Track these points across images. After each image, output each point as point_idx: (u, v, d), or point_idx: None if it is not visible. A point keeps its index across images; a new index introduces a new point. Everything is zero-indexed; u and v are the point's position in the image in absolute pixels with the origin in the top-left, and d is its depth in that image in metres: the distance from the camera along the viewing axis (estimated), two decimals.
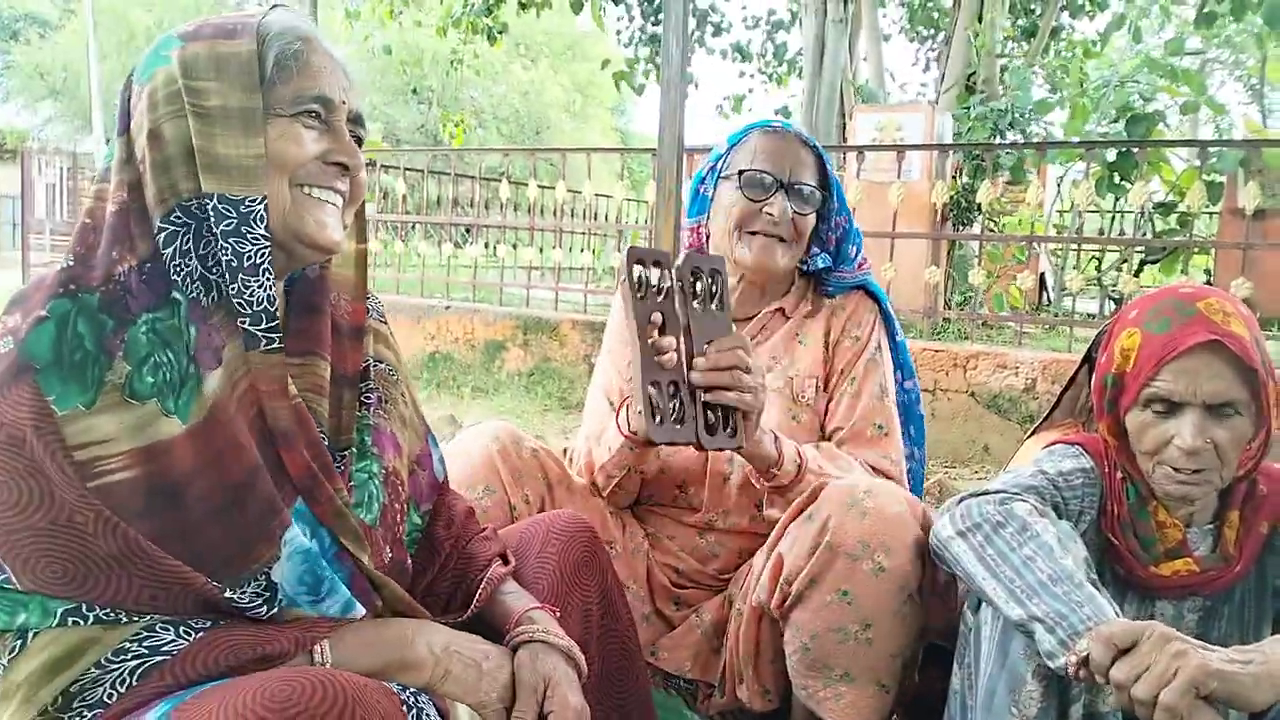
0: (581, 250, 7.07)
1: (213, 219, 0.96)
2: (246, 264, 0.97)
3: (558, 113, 26.72)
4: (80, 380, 0.89)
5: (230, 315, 0.98)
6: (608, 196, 7.54)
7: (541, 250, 6.56)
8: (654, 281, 1.44)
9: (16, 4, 27.98)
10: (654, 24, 11.35)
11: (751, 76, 12.55)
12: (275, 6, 1.05)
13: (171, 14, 23.10)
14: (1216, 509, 1.42)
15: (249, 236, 0.97)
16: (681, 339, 1.46)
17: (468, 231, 6.80)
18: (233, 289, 0.97)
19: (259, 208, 0.97)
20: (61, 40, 24.48)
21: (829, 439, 1.78)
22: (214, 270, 0.97)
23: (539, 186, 6.02)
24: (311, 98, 1.01)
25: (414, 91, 23.70)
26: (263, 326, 0.98)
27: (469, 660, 1.06)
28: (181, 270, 0.96)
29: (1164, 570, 1.37)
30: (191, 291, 0.97)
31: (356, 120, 1.07)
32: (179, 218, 0.96)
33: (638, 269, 1.43)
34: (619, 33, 11.77)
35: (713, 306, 1.49)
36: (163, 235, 0.96)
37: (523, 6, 10.33)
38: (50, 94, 25.47)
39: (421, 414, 1.27)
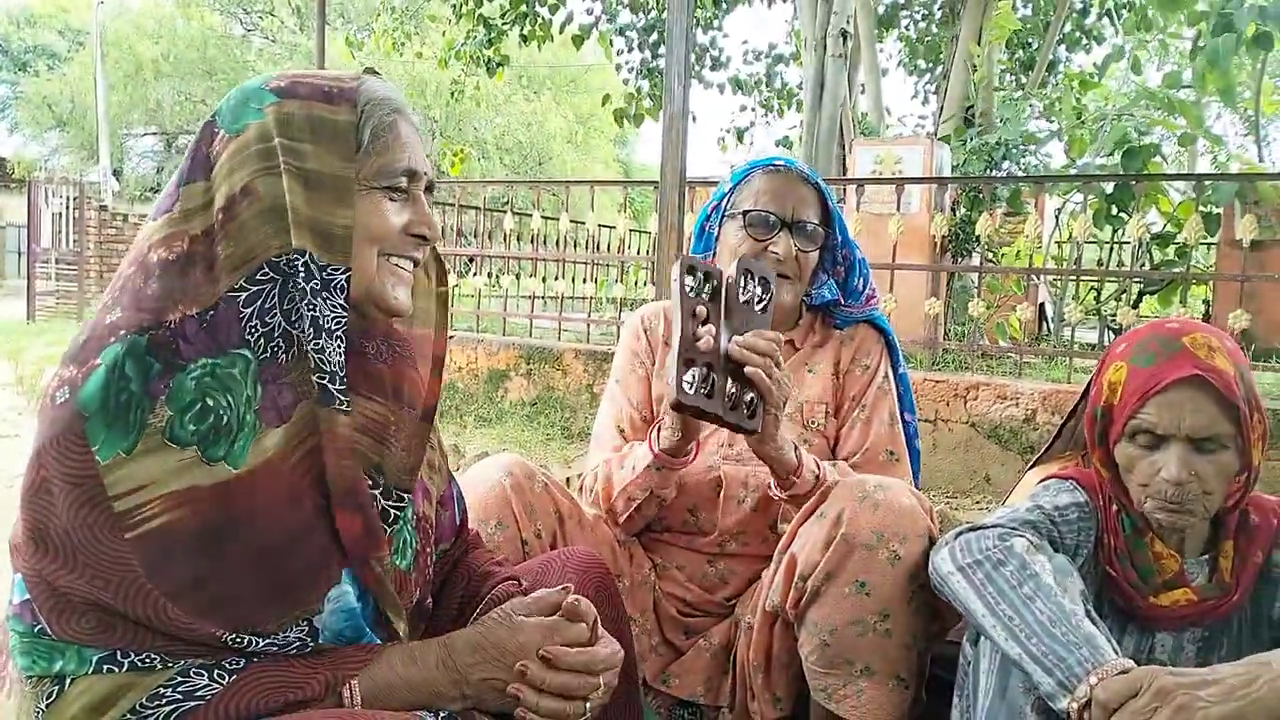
0: (584, 281, 7.12)
1: (301, 276, 0.97)
2: (322, 326, 0.99)
3: (560, 144, 26.86)
4: (123, 424, 0.90)
5: (307, 372, 0.99)
6: (610, 227, 7.60)
7: (545, 280, 6.60)
8: (700, 285, 1.57)
9: (26, 36, 28.26)
10: (654, 56, 11.48)
11: (752, 110, 12.65)
12: (368, 71, 1.09)
13: (178, 48, 23.28)
14: (1210, 539, 1.45)
15: (329, 302, 0.99)
16: (722, 331, 1.56)
17: (471, 261, 6.85)
18: (314, 346, 0.99)
19: (341, 276, 0.99)
20: (69, 72, 24.63)
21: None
22: (297, 325, 0.99)
23: (542, 217, 6.07)
24: (401, 170, 1.04)
25: None
26: (335, 387, 1.00)
27: (493, 651, 1.06)
28: (258, 330, 0.97)
29: (1164, 600, 1.40)
30: (265, 350, 0.98)
31: (430, 189, 1.11)
32: (266, 274, 0.97)
33: (687, 276, 1.56)
34: (619, 67, 11.89)
35: (757, 307, 1.60)
36: (245, 294, 0.97)
37: (524, 39, 10.44)
38: (57, 124, 25.63)
39: (446, 455, 1.30)
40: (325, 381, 0.99)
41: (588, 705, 1.07)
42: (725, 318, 1.57)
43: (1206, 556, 1.44)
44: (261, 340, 0.98)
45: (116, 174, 21.62)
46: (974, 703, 1.33)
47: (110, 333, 0.94)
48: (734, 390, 1.54)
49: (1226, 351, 1.37)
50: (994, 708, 1.28)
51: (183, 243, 0.97)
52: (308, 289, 0.98)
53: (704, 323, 1.54)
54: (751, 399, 1.55)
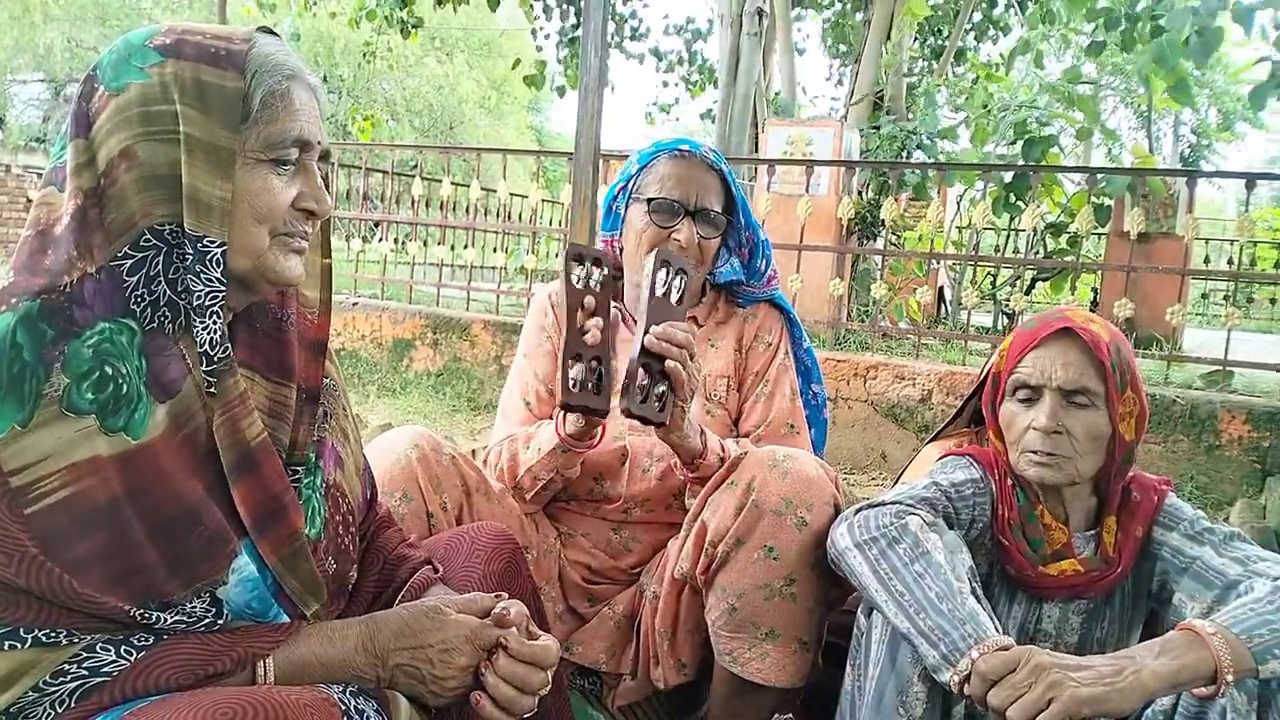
0: (495, 250, 7.02)
1: (184, 247, 0.94)
2: (197, 303, 0.96)
3: (472, 109, 26.40)
4: (17, 395, 0.86)
5: (192, 345, 0.97)
6: (522, 196, 7.53)
7: (453, 248, 6.50)
8: (589, 274, 1.55)
9: None
10: (574, 26, 11.36)
11: (675, 85, 12.66)
12: (260, 30, 1.02)
13: None
14: (1095, 515, 1.53)
15: (203, 277, 0.95)
16: (639, 324, 1.57)
17: (376, 226, 6.71)
18: (196, 320, 0.96)
19: (217, 250, 0.95)
20: None
21: (744, 437, 1.88)
22: (183, 298, 0.96)
23: (452, 184, 5.98)
24: (292, 140, 0.99)
25: (324, 80, 23.18)
26: (205, 368, 0.97)
27: (413, 640, 1.06)
28: (144, 299, 0.94)
29: (1052, 570, 1.48)
30: (151, 320, 0.95)
31: (324, 156, 1.06)
32: (149, 240, 0.94)
33: (574, 265, 1.54)
34: (534, 33, 11.74)
35: (672, 299, 1.61)
36: (129, 262, 0.93)
37: (438, 1, 10.22)
38: None
39: (357, 425, 1.28)
40: (204, 359, 0.97)
41: (535, 700, 1.09)
42: (643, 310, 1.57)
43: (1092, 532, 1.52)
44: (148, 310, 0.95)
45: (0, 121, 20.48)
46: (865, 672, 1.39)
47: (1, 301, 0.90)
48: (645, 382, 1.55)
49: (1107, 329, 1.49)
50: (883, 677, 1.34)
51: (76, 199, 0.94)
52: (189, 261, 0.95)
53: (592, 314, 1.54)
54: (663, 391, 1.56)
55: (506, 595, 1.18)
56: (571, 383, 1.50)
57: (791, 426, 1.89)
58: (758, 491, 1.54)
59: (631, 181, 1.88)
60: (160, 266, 0.95)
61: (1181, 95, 6.33)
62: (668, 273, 1.62)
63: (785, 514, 1.53)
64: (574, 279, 1.54)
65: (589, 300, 1.54)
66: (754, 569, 1.54)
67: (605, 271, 1.57)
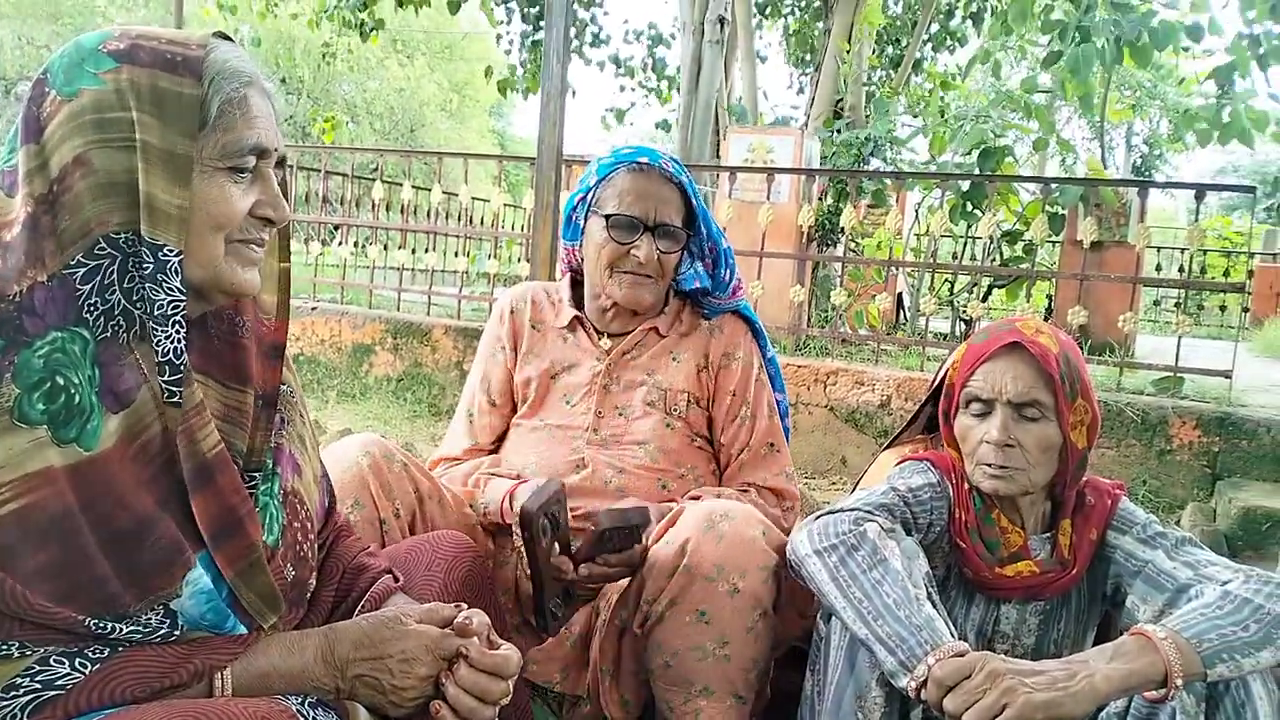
0: (456, 254, 7.00)
1: (140, 255, 0.93)
2: (157, 312, 0.94)
3: (434, 111, 26.30)
4: None
5: (149, 355, 0.96)
6: (484, 200, 7.50)
7: (414, 252, 6.45)
8: (545, 521, 1.55)
9: None
10: (536, 29, 11.35)
11: (633, 91, 12.67)
12: (217, 34, 1.01)
13: None
14: (1051, 518, 1.56)
15: (164, 286, 0.94)
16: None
17: (336, 230, 6.65)
18: (153, 330, 0.94)
19: (174, 259, 0.94)
20: None
21: (729, 461, 1.90)
22: (138, 306, 0.94)
23: (413, 187, 5.94)
24: (250, 148, 0.98)
25: (283, 81, 22.93)
26: (167, 378, 0.95)
27: (373, 650, 1.05)
28: (97, 308, 0.93)
29: (1008, 571, 1.50)
30: (105, 329, 0.93)
31: (280, 162, 1.05)
32: (103, 249, 0.92)
33: (540, 520, 1.54)
34: (499, 37, 11.72)
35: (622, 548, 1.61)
36: (82, 270, 0.91)
37: (399, 3, 10.15)
38: None
39: (315, 433, 1.26)
40: (167, 368, 0.95)
41: (495, 710, 1.09)
42: (583, 554, 1.60)
43: (1048, 534, 1.55)
44: (101, 319, 0.93)
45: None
46: (824, 677, 1.40)
47: None
48: (553, 607, 1.64)
49: (1056, 337, 1.51)
50: (842, 682, 1.35)
51: (28, 206, 0.92)
52: (147, 269, 0.93)
53: (562, 549, 1.60)
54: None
55: (467, 605, 1.17)
56: (552, 617, 1.63)
57: (772, 445, 1.90)
58: (690, 555, 1.52)
59: (591, 193, 1.87)
60: (115, 275, 0.93)
61: (1086, 106, 6.47)
62: (605, 539, 1.57)
63: (717, 580, 1.51)
64: (536, 539, 1.53)
65: (555, 547, 1.59)
66: (687, 630, 1.53)
67: (554, 498, 1.58)
